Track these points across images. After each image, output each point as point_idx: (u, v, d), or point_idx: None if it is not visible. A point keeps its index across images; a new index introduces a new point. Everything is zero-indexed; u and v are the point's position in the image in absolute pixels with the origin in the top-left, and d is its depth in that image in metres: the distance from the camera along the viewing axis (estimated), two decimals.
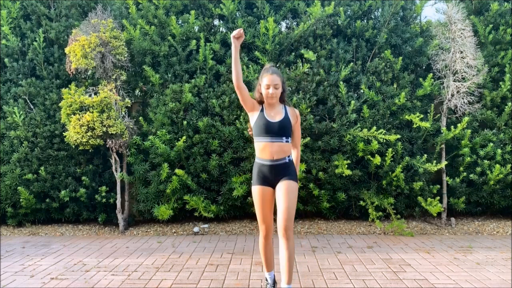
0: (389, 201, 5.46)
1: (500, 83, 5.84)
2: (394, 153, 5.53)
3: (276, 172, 3.05)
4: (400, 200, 5.77)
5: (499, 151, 5.60)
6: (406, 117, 5.58)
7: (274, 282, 3.29)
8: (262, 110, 3.09)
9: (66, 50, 5.47)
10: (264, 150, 3.04)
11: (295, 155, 3.23)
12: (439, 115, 5.85)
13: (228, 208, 5.78)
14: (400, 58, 5.65)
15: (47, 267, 4.26)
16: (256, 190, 3.08)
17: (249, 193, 5.60)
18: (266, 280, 3.29)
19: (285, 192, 3.00)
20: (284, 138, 3.04)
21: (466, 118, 5.48)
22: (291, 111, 3.15)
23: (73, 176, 5.89)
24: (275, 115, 3.07)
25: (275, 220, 3.14)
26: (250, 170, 5.45)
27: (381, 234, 5.43)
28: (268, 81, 3.02)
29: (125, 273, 4.01)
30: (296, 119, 3.16)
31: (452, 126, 5.60)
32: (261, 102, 3.15)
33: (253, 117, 3.11)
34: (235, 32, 2.92)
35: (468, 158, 5.62)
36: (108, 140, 5.47)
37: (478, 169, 5.67)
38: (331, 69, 5.72)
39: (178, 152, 5.55)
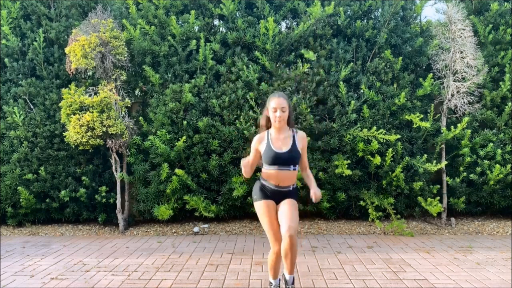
0: (389, 201, 5.46)
1: (500, 83, 5.84)
2: (394, 153, 5.53)
3: (279, 195, 3.14)
4: (400, 200, 5.77)
5: (499, 151, 5.60)
6: (406, 117, 5.58)
7: (279, 286, 3.33)
8: (268, 141, 3.11)
9: (66, 50, 5.47)
10: (271, 177, 3.11)
11: (306, 174, 3.28)
12: (439, 115, 5.85)
13: (228, 208, 5.78)
14: (400, 58, 5.65)
15: (47, 267, 4.26)
16: (262, 204, 3.12)
17: (249, 193, 5.61)
18: (271, 283, 3.31)
19: (288, 206, 3.06)
20: (291, 166, 3.09)
21: (466, 118, 5.48)
22: (298, 137, 3.16)
23: (73, 176, 5.89)
24: (283, 145, 3.08)
25: None
26: None
27: (381, 234, 5.43)
28: (275, 104, 3.04)
29: (125, 273, 4.01)
30: (304, 143, 3.18)
31: (452, 126, 5.60)
32: (268, 127, 3.19)
33: (261, 146, 3.14)
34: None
35: (468, 158, 5.62)
36: (108, 140, 5.47)
37: (478, 169, 5.67)
38: (331, 69, 5.72)
39: (178, 152, 5.55)
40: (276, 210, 3.13)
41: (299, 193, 5.67)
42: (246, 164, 3.06)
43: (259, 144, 3.14)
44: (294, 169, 3.10)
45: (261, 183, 3.17)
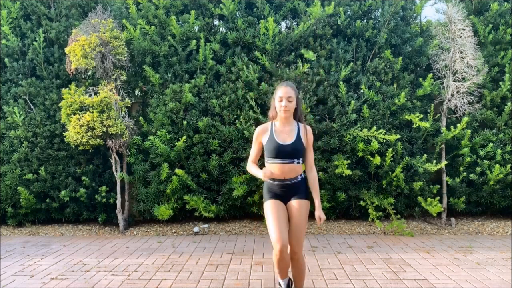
0: (389, 201, 5.46)
1: (500, 83, 5.84)
2: (394, 153, 5.53)
3: (287, 190, 2.98)
4: (400, 200, 5.77)
5: (499, 151, 5.60)
6: (406, 117, 5.58)
7: (288, 285, 3.15)
8: (271, 132, 2.98)
9: (66, 50, 5.47)
10: (275, 172, 2.93)
11: (312, 176, 3.06)
12: (439, 115, 5.86)
13: (228, 208, 5.78)
14: (400, 58, 5.65)
15: (47, 267, 4.26)
16: (269, 204, 2.96)
17: (249, 193, 5.61)
18: (280, 285, 3.13)
19: (296, 214, 2.92)
20: (295, 160, 2.94)
21: (466, 118, 5.48)
22: (303, 130, 3.02)
23: (73, 176, 5.89)
24: (287, 137, 2.95)
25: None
26: None
27: (381, 234, 5.43)
28: (282, 93, 2.93)
29: (125, 273, 4.01)
30: (310, 137, 3.03)
31: (452, 126, 5.60)
32: (273, 119, 3.07)
33: (264, 138, 3.02)
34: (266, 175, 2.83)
35: (468, 158, 5.62)
36: (108, 140, 5.47)
37: (478, 169, 5.67)
38: (331, 69, 5.72)
39: (178, 152, 5.55)
40: (286, 210, 2.97)
41: None
42: (268, 175, 2.84)
43: (262, 135, 3.01)
44: (299, 163, 2.96)
45: (268, 183, 3.01)
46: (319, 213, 2.98)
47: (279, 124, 3.00)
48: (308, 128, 3.05)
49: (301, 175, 3.02)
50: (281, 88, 2.95)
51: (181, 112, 5.64)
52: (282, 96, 2.92)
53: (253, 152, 3.07)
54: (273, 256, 2.88)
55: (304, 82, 5.66)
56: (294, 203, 2.94)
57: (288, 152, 2.92)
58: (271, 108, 3.07)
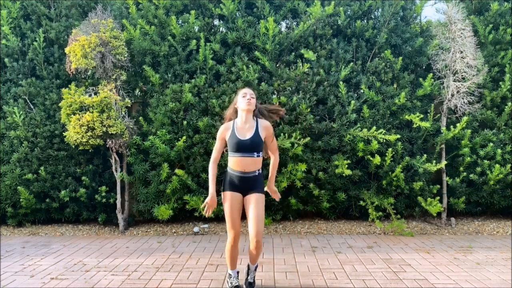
0: (389, 201, 5.46)
1: (500, 83, 5.84)
2: (394, 153, 5.53)
3: (246, 182, 3.31)
4: (400, 200, 5.77)
5: (499, 151, 5.60)
6: (406, 117, 5.58)
7: (238, 276, 3.56)
8: (233, 129, 3.32)
9: (66, 50, 5.47)
10: (236, 164, 3.29)
11: (273, 160, 3.51)
12: (439, 115, 5.85)
13: None
14: (400, 58, 5.65)
15: (47, 267, 4.26)
16: (227, 195, 3.33)
17: None
18: (230, 275, 3.51)
19: (255, 206, 3.26)
20: (255, 153, 3.28)
21: (465, 118, 5.48)
22: (262, 125, 3.34)
23: (73, 176, 5.89)
24: (246, 132, 3.29)
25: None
26: None
27: (381, 234, 5.43)
28: (245, 91, 3.36)
29: (125, 273, 4.01)
30: (268, 131, 3.35)
31: (452, 126, 5.60)
32: (232, 120, 3.42)
33: (227, 135, 3.35)
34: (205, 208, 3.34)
35: (468, 158, 5.62)
36: (108, 140, 5.47)
37: (478, 169, 5.67)
38: (331, 69, 5.72)
39: (178, 152, 5.55)
40: (243, 202, 3.33)
41: (299, 193, 5.68)
42: (209, 205, 3.32)
43: (226, 132, 3.35)
44: (258, 156, 3.29)
45: (229, 173, 3.35)
46: (272, 189, 3.57)
47: (240, 122, 3.34)
48: (266, 123, 3.38)
49: (259, 170, 3.35)
50: (243, 89, 3.41)
51: (181, 112, 5.64)
52: (246, 92, 3.34)
53: (216, 148, 3.39)
54: (227, 245, 3.34)
55: (304, 82, 5.66)
56: (253, 197, 3.29)
57: (248, 146, 3.26)
58: (229, 108, 3.48)
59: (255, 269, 3.57)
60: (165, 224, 5.92)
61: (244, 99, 3.31)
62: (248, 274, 3.55)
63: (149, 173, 5.65)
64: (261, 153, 3.32)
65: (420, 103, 5.78)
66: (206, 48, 5.66)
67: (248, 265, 3.54)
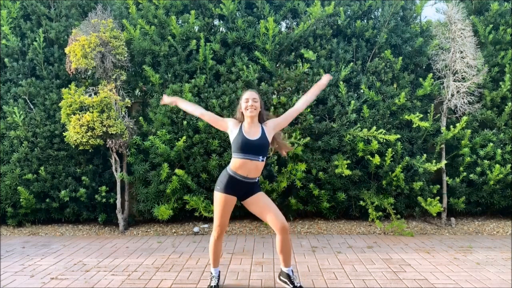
0: (389, 201, 5.46)
1: (500, 83, 5.84)
2: (394, 153, 5.53)
3: (245, 187, 3.29)
4: (400, 200, 5.77)
5: (499, 151, 5.60)
6: (406, 117, 5.58)
7: (219, 276, 3.56)
8: (241, 128, 3.27)
9: (66, 50, 5.47)
10: (240, 167, 3.22)
11: (303, 100, 3.46)
12: (439, 115, 5.86)
13: None
14: (400, 58, 5.65)
15: (47, 267, 4.26)
16: (223, 197, 3.27)
17: None
18: (211, 273, 3.52)
19: (266, 200, 3.29)
20: (260, 157, 3.23)
21: (465, 118, 5.48)
22: (267, 128, 3.32)
23: (73, 176, 5.89)
24: (254, 134, 3.25)
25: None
26: None
27: (381, 234, 5.43)
28: (247, 95, 3.30)
29: (125, 273, 4.01)
30: (273, 124, 3.34)
31: (452, 126, 5.60)
32: (241, 121, 3.36)
33: (232, 134, 3.30)
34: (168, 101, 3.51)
35: (468, 158, 5.62)
36: (108, 140, 5.47)
37: (478, 169, 5.67)
38: (331, 69, 5.72)
39: (178, 152, 5.55)
40: (234, 205, 3.33)
41: (299, 193, 5.68)
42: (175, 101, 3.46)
43: (233, 126, 3.31)
44: (263, 160, 3.25)
45: (229, 174, 3.26)
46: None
47: (247, 125, 3.30)
48: (268, 121, 3.36)
49: (259, 177, 3.36)
50: (246, 92, 3.35)
51: (181, 112, 5.64)
52: (248, 98, 3.28)
53: (214, 115, 3.40)
54: (211, 239, 3.37)
55: (304, 82, 5.66)
56: (259, 196, 3.31)
57: (255, 146, 3.20)
58: (237, 111, 3.40)
59: (293, 272, 3.40)
60: (165, 224, 5.92)
61: (246, 105, 3.27)
62: (293, 283, 3.34)
63: (149, 173, 5.65)
64: (265, 158, 3.28)
65: (420, 103, 5.78)
66: (206, 48, 5.66)
67: (287, 273, 3.36)
